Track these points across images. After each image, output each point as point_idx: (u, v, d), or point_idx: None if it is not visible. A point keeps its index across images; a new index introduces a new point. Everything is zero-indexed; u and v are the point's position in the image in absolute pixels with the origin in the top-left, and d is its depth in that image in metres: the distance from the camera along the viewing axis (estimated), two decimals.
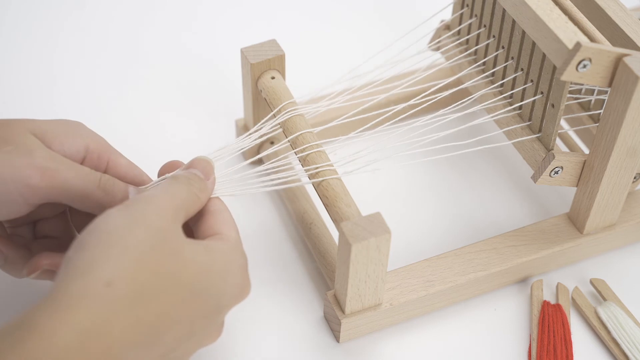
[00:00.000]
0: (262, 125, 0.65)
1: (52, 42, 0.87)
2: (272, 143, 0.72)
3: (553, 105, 0.64)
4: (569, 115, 0.73)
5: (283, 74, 0.69)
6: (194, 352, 0.54)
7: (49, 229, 0.62)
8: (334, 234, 0.69)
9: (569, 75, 0.59)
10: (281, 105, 0.65)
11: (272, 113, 0.65)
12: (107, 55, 0.86)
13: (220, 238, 0.55)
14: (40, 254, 0.58)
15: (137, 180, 0.60)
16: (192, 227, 0.58)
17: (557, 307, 0.67)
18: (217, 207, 0.58)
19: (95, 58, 0.86)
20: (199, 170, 0.58)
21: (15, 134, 0.56)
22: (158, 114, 0.81)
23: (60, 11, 0.90)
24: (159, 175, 0.61)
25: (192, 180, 0.56)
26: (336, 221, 0.60)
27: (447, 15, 0.80)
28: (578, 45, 0.57)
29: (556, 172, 0.65)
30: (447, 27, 0.75)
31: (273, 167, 0.63)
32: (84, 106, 0.81)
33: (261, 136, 0.65)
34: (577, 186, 0.67)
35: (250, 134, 0.64)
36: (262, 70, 0.68)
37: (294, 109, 0.65)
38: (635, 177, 0.68)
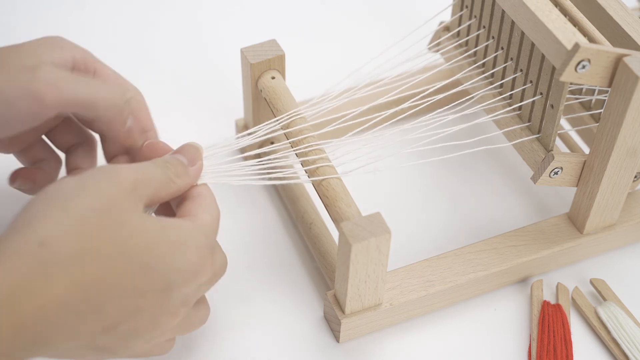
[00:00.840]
0: (263, 127, 0.65)
1: None
2: (272, 143, 0.72)
3: (552, 106, 0.64)
4: (570, 115, 0.73)
5: (283, 74, 0.69)
6: (149, 331, 0.52)
7: (80, 161, 0.62)
8: (334, 234, 0.69)
9: (568, 76, 0.59)
10: (286, 114, 0.65)
11: (275, 119, 0.65)
12: (106, 56, 0.86)
13: (188, 218, 0.54)
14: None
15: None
16: (175, 211, 0.57)
17: (557, 307, 0.67)
18: (199, 192, 0.57)
19: None
20: (184, 155, 0.57)
21: (10, 59, 0.55)
22: (158, 114, 0.81)
23: (60, 11, 0.90)
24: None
25: (170, 164, 0.56)
26: (336, 221, 0.60)
27: (447, 16, 0.80)
28: (577, 46, 0.57)
29: (556, 173, 0.65)
30: (447, 28, 0.75)
31: (273, 162, 0.63)
32: None
33: (262, 135, 0.65)
34: (577, 186, 0.67)
35: (250, 132, 0.64)
36: (262, 70, 0.68)
37: (296, 112, 0.65)
38: (635, 177, 0.68)
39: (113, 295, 0.48)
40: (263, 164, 0.62)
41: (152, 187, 0.53)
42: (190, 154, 0.58)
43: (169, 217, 0.53)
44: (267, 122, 0.65)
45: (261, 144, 0.72)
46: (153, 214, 0.57)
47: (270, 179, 0.62)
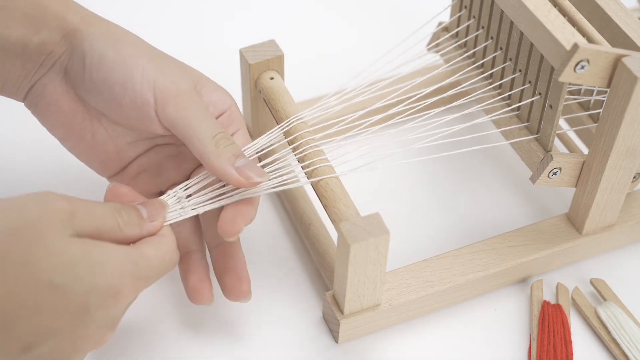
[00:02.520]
0: (265, 137, 0.65)
1: None
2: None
3: (551, 106, 0.64)
4: (569, 115, 0.73)
5: (282, 75, 0.69)
6: (70, 355, 0.52)
7: None
8: (333, 234, 0.69)
9: (566, 76, 0.58)
10: (288, 121, 0.65)
11: (277, 127, 0.65)
12: None
13: (127, 246, 0.54)
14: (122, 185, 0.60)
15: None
16: None
17: (557, 307, 0.67)
18: (160, 232, 0.56)
19: None
20: (147, 209, 0.57)
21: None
22: None
23: None
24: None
25: (124, 211, 0.55)
26: (335, 221, 0.60)
27: (446, 17, 0.80)
28: (575, 47, 0.57)
29: (554, 174, 0.65)
30: (446, 28, 0.75)
31: (272, 170, 0.62)
32: None
33: (268, 147, 0.64)
34: (575, 187, 0.67)
35: (252, 145, 0.64)
36: (261, 71, 0.68)
37: (297, 117, 0.65)
38: (634, 177, 0.68)
39: (22, 313, 0.48)
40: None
41: (92, 225, 0.52)
42: (152, 209, 0.57)
43: (97, 241, 0.52)
44: (268, 132, 0.65)
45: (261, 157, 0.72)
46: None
47: (271, 186, 0.62)
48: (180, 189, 0.60)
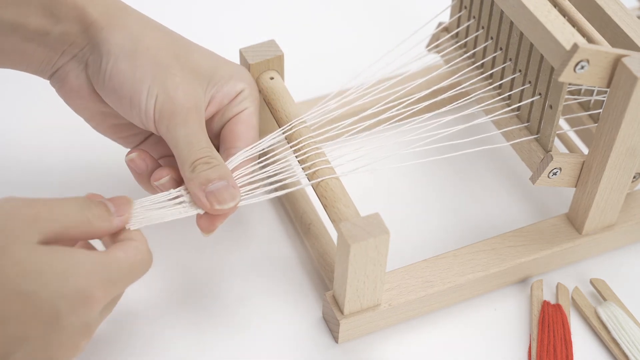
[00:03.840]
0: (266, 139, 0.65)
1: None
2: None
3: (551, 107, 0.64)
4: (569, 115, 0.73)
5: (282, 75, 0.69)
6: None
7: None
8: (333, 234, 0.69)
9: (566, 76, 0.59)
10: (290, 124, 0.65)
11: (281, 129, 0.65)
12: None
13: (96, 251, 0.54)
14: (164, 167, 0.62)
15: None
16: None
17: (557, 307, 0.67)
18: (130, 236, 0.56)
19: None
20: (113, 203, 0.56)
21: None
22: None
23: None
24: None
25: (92, 205, 0.55)
26: (335, 222, 0.60)
27: (446, 17, 0.80)
28: (575, 47, 0.57)
29: (554, 174, 0.65)
30: (446, 29, 0.75)
31: (273, 170, 0.63)
32: None
33: (269, 149, 0.64)
34: (575, 187, 0.67)
35: (253, 147, 0.64)
36: (261, 71, 0.68)
37: (299, 121, 0.65)
38: (634, 177, 0.68)
39: None
40: (264, 173, 0.62)
41: (57, 223, 0.52)
42: (119, 204, 0.57)
43: (65, 247, 0.52)
44: (270, 135, 0.65)
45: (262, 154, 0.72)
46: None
47: (271, 190, 0.62)
48: (183, 189, 0.61)
